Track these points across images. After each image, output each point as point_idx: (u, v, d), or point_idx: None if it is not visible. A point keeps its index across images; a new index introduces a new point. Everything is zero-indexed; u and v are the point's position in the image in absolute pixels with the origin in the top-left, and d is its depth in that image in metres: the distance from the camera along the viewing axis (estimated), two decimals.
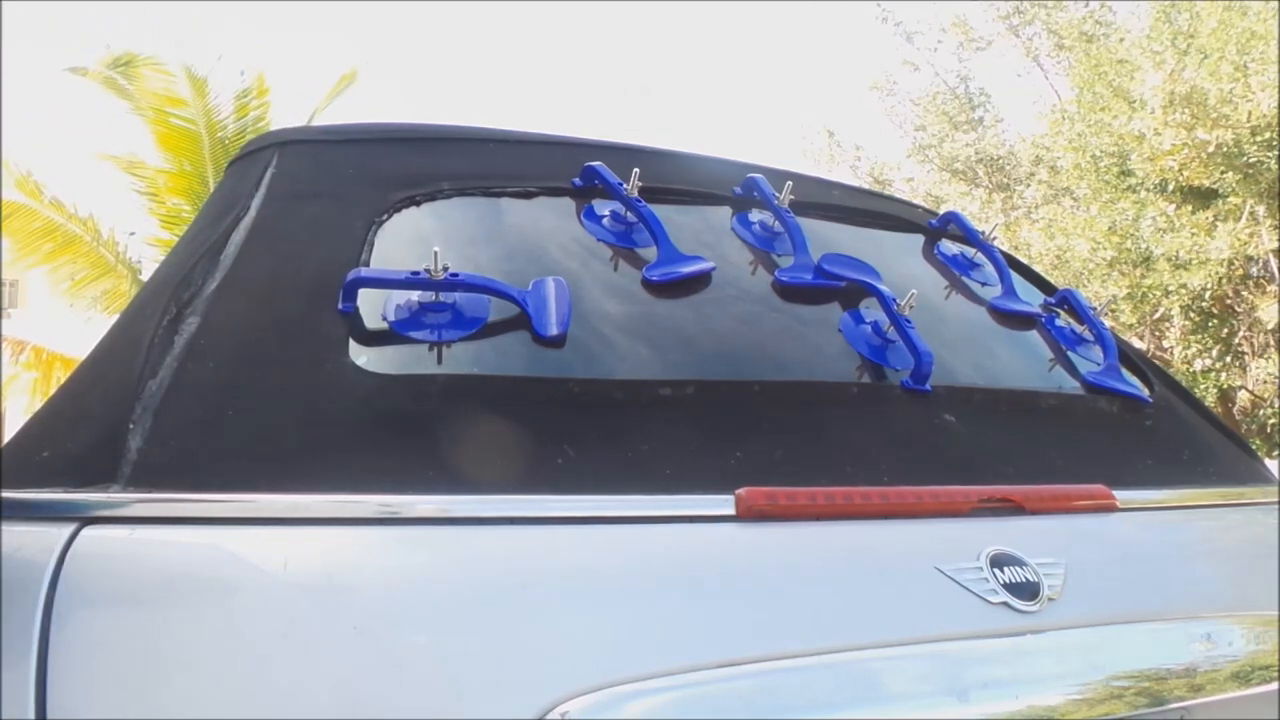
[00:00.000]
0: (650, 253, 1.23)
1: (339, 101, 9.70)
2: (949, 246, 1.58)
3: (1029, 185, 13.52)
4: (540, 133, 1.48)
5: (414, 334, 1.04)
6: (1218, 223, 10.01)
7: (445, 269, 1.03)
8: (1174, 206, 10.25)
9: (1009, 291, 1.48)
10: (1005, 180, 14.19)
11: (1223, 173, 9.73)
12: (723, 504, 0.91)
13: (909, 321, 1.20)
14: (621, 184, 1.28)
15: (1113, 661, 0.96)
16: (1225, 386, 11.34)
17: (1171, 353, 11.64)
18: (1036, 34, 13.85)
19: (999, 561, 0.96)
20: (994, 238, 1.58)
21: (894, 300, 1.21)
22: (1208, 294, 10.55)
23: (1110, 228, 10.59)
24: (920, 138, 14.84)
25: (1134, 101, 10.16)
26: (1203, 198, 10.26)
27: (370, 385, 0.97)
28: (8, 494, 0.88)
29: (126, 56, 8.75)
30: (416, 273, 1.04)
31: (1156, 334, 11.84)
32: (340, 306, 1.02)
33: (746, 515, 0.91)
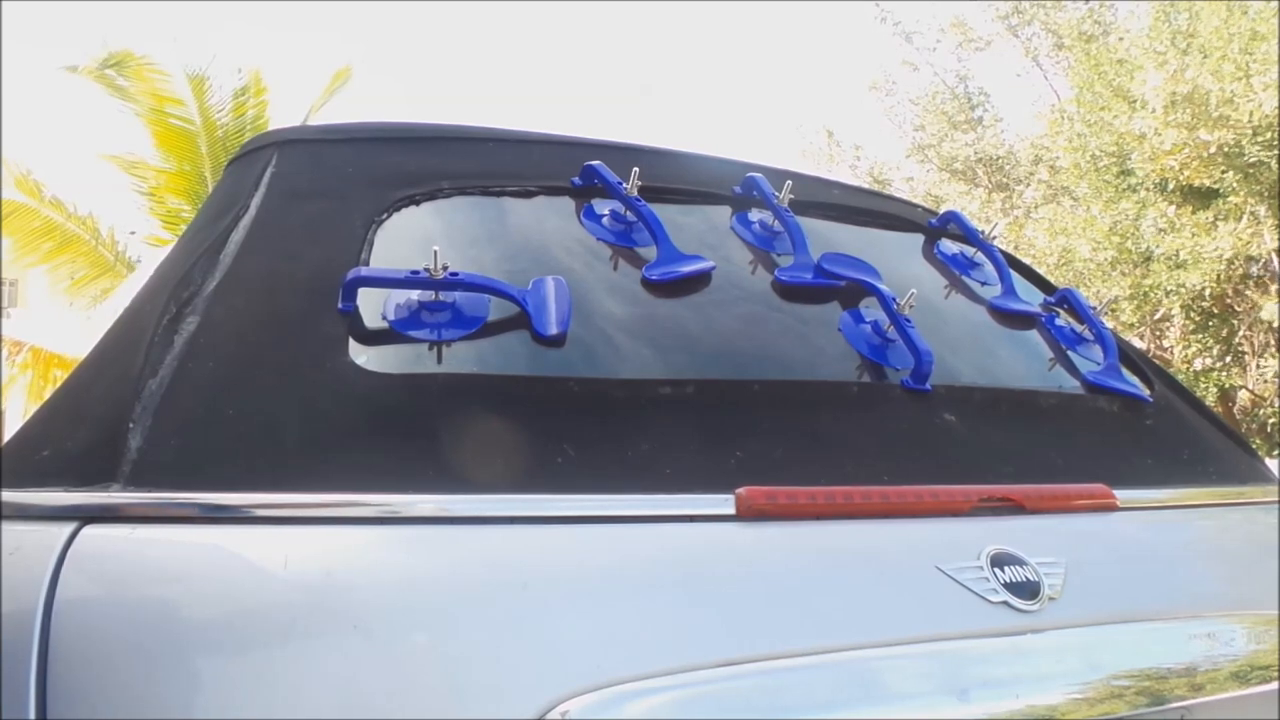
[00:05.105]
0: (650, 252, 1.23)
1: (335, 100, 9.70)
2: (949, 246, 1.58)
3: (1028, 185, 13.53)
4: (540, 132, 1.48)
5: (414, 333, 1.04)
6: (1218, 222, 10.02)
7: (445, 268, 1.03)
8: (1174, 207, 10.25)
9: (1009, 291, 1.48)
10: (1005, 180, 14.20)
11: (1223, 172, 9.73)
12: (723, 503, 0.91)
13: (909, 321, 1.20)
14: (621, 183, 1.27)
15: (1113, 661, 0.96)
16: (1226, 386, 11.35)
17: (1172, 352, 11.65)
18: (1035, 34, 13.87)
19: (999, 561, 0.96)
20: (994, 237, 1.58)
21: (894, 300, 1.21)
22: (1208, 293, 10.55)
23: (1111, 228, 10.59)
24: (919, 137, 14.85)
25: (1134, 101, 10.16)
26: (1203, 197, 10.26)
27: (370, 384, 0.97)
28: (8, 494, 0.88)
29: (120, 55, 8.74)
30: (416, 272, 1.03)
31: (1157, 334, 11.85)
32: (340, 306, 1.02)
33: (746, 514, 0.91)
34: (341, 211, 1.16)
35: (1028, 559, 0.97)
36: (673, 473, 0.95)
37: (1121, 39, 11.46)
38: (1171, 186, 10.23)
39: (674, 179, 1.40)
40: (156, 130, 9.09)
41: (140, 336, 0.99)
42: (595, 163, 1.31)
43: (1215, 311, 11.33)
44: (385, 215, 1.17)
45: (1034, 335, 1.44)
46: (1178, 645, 1.01)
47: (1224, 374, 11.34)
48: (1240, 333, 11.35)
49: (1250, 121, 9.23)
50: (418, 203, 1.21)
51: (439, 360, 1.04)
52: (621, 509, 0.90)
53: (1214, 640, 1.04)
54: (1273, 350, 11.06)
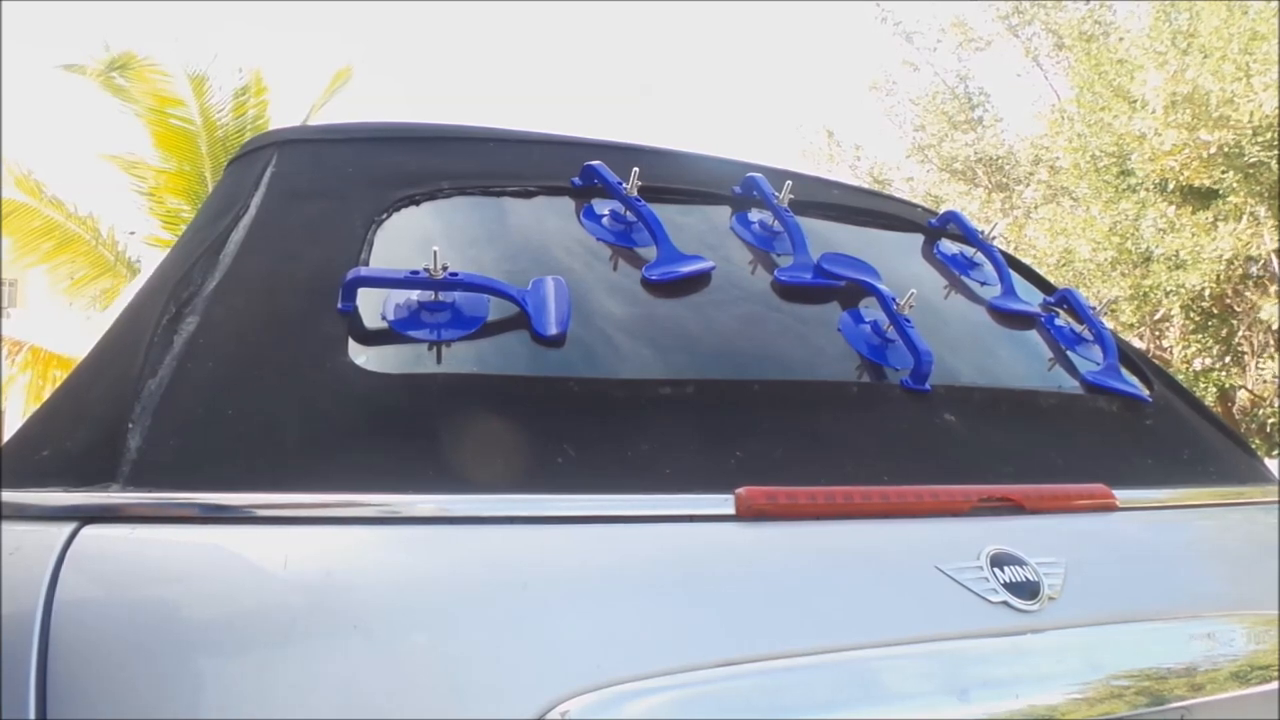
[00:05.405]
0: (650, 252, 1.23)
1: (336, 100, 9.71)
2: (949, 246, 1.58)
3: (1028, 185, 13.53)
4: (540, 132, 1.48)
5: (414, 333, 1.04)
6: (1218, 223, 10.02)
7: (445, 268, 1.03)
8: (1174, 207, 10.26)
9: (1008, 291, 1.48)
10: (1005, 180, 14.20)
11: (1223, 173, 9.73)
12: (722, 503, 0.91)
13: (908, 321, 1.20)
14: (621, 183, 1.27)
15: (1112, 661, 0.96)
16: (1225, 386, 11.35)
17: (1171, 352, 11.65)
18: (1035, 34, 13.87)
19: (999, 561, 0.96)
20: (994, 237, 1.58)
21: (893, 300, 1.21)
22: (1208, 294, 10.56)
23: (1111, 228, 10.60)
24: (920, 137, 14.85)
25: (1134, 101, 10.16)
26: (1203, 198, 10.26)
27: (370, 385, 0.97)
28: (8, 494, 0.88)
29: (123, 57, 8.74)
30: (416, 272, 1.04)
31: (1157, 334, 11.85)
32: (340, 306, 1.02)
33: (746, 515, 0.91)
34: (341, 211, 1.16)
35: (1027, 559, 0.97)
36: (673, 473, 0.95)
37: (1122, 39, 11.45)
38: (1171, 187, 10.23)
39: (674, 179, 1.40)
40: (157, 130, 9.09)
41: (140, 336, 0.99)
42: (595, 163, 1.31)
43: (1215, 312, 11.33)
44: (385, 215, 1.17)
45: (1034, 335, 1.44)
46: (1178, 645, 1.02)
47: (1223, 374, 11.34)
48: (1240, 333, 11.36)
49: (1250, 122, 9.23)
50: (418, 203, 1.21)
51: (439, 360, 1.04)
52: (621, 509, 0.90)
53: (1214, 640, 1.04)
54: (1272, 351, 11.06)
